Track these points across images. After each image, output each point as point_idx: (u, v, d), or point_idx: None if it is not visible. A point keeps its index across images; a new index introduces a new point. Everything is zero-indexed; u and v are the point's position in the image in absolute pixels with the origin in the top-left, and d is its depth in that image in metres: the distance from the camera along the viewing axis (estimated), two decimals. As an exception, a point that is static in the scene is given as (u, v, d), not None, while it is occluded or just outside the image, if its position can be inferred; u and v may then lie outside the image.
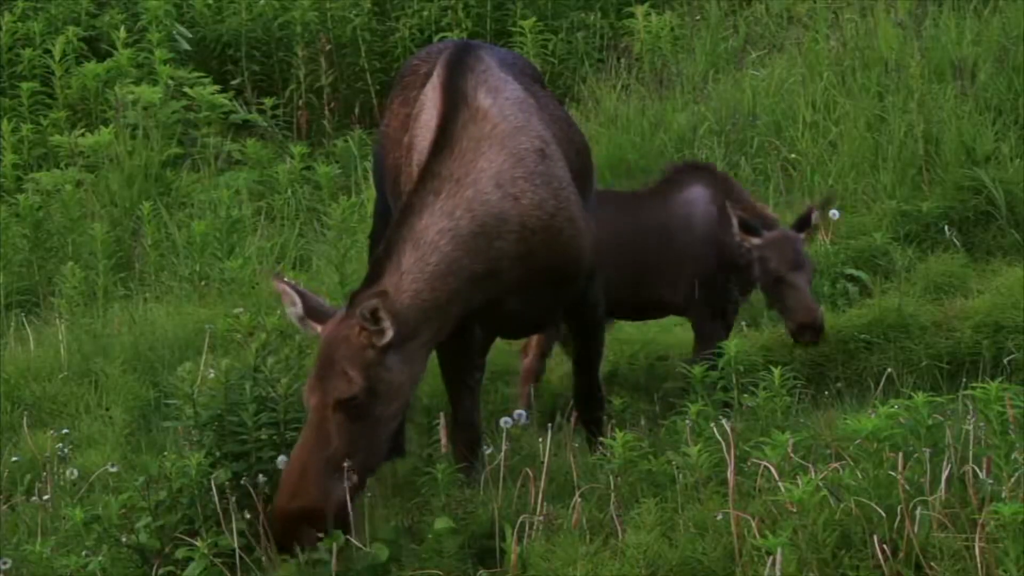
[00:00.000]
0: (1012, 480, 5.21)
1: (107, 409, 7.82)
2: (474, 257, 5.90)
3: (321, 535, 5.57)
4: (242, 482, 5.88)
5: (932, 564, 5.17)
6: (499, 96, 6.12)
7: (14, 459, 7.01)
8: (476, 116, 6.04)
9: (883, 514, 5.24)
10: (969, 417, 5.49)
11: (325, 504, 5.57)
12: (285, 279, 5.98)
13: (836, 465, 5.50)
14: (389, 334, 5.68)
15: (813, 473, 5.32)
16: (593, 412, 6.61)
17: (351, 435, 5.62)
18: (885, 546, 5.19)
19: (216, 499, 5.83)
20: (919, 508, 5.24)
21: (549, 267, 6.12)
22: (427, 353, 5.91)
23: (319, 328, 5.80)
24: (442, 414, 6.64)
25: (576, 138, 6.50)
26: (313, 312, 5.85)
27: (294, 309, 5.87)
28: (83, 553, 5.91)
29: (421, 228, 5.86)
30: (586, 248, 6.27)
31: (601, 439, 6.33)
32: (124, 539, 5.92)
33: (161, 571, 5.84)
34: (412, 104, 6.47)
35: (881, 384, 6.90)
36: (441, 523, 5.70)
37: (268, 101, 12.60)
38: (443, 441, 6.56)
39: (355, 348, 5.68)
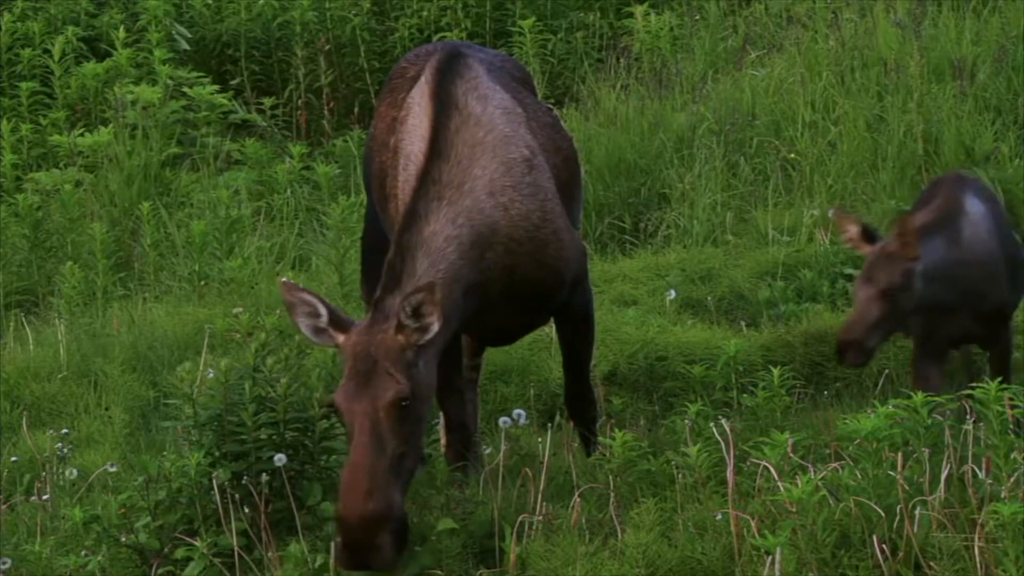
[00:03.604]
0: (1011, 480, 5.22)
1: (107, 409, 7.82)
2: (471, 267, 5.88)
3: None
4: (243, 481, 5.88)
5: (931, 564, 5.17)
6: (488, 104, 6.11)
7: (14, 459, 7.01)
8: (468, 122, 6.02)
9: (882, 514, 5.24)
10: (968, 417, 5.49)
11: (395, 508, 5.49)
12: (300, 287, 5.80)
13: (836, 465, 5.51)
14: (435, 328, 5.58)
15: (813, 473, 5.33)
16: (585, 413, 6.59)
17: (403, 437, 5.54)
18: (884, 546, 5.19)
19: (216, 499, 5.83)
20: (918, 508, 5.25)
21: (533, 279, 6.09)
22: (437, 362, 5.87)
23: (340, 338, 5.68)
24: (441, 414, 6.64)
25: (563, 145, 6.46)
26: (335, 322, 5.69)
27: (311, 321, 5.70)
28: (82, 553, 5.90)
29: (429, 234, 5.83)
30: (570, 260, 6.22)
31: (599, 439, 6.34)
32: (123, 539, 5.92)
33: (160, 571, 5.84)
34: (399, 107, 6.46)
35: (880, 384, 6.90)
36: (444, 524, 5.70)
37: (267, 101, 12.60)
38: (443, 441, 6.57)
39: (394, 350, 5.57)
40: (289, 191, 10.97)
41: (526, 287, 6.10)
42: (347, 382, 5.58)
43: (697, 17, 12.49)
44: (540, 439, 6.37)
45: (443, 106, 6.02)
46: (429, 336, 5.59)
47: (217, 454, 5.94)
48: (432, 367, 5.73)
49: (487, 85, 6.17)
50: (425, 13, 13.15)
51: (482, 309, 6.02)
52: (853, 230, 6.43)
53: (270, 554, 5.76)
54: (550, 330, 7.76)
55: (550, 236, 6.10)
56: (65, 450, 6.89)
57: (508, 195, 6.00)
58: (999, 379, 5.79)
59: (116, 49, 12.57)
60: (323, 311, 5.69)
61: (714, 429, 5.78)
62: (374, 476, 5.45)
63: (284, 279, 5.98)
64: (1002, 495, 5.18)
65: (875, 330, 6.30)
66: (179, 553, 5.80)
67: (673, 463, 5.88)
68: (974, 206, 6.62)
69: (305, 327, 5.71)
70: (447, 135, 5.97)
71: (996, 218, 6.70)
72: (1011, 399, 5.30)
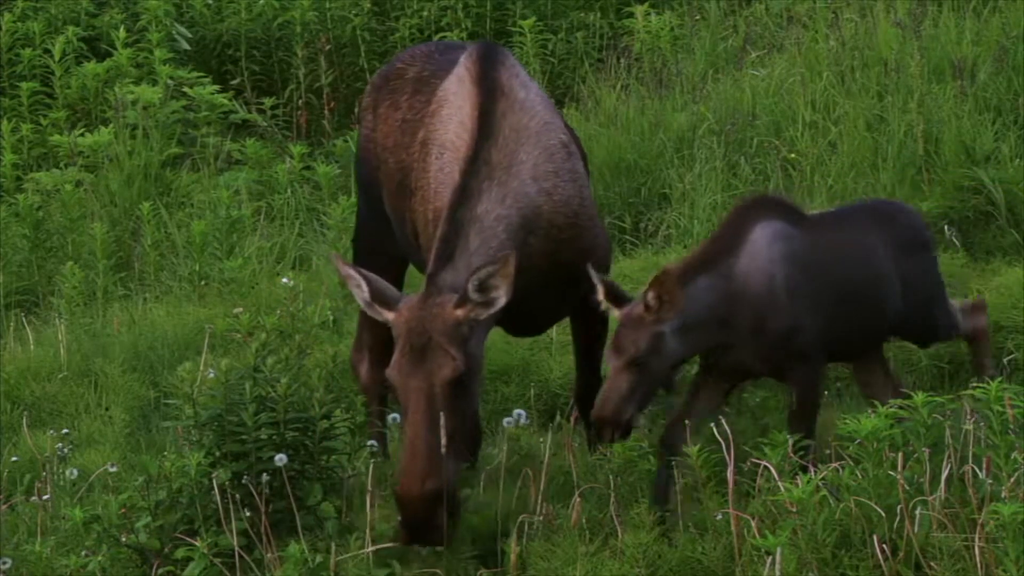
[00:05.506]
0: (1012, 480, 5.22)
1: (107, 409, 7.82)
2: (516, 250, 5.91)
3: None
4: (243, 481, 5.88)
5: (932, 564, 5.18)
6: (530, 91, 6.22)
7: (14, 459, 7.01)
8: (514, 107, 6.10)
9: (883, 514, 5.25)
10: (969, 417, 5.49)
11: (451, 486, 5.58)
12: (344, 261, 5.90)
13: (836, 465, 5.51)
14: (501, 302, 5.65)
15: (813, 473, 5.33)
16: None
17: (458, 413, 5.62)
18: (885, 546, 5.19)
19: (216, 499, 5.83)
20: (919, 508, 5.25)
21: (569, 265, 6.13)
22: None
23: (388, 314, 5.73)
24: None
25: (577, 141, 6.56)
26: (378, 296, 5.78)
27: (360, 292, 5.81)
28: (83, 553, 5.91)
29: (482, 212, 5.88)
30: (602, 248, 6.33)
31: (600, 439, 6.35)
32: (124, 539, 5.93)
33: (161, 571, 5.84)
34: (401, 107, 6.51)
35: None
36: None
37: (268, 101, 12.60)
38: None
39: (450, 325, 5.63)
40: (289, 191, 10.97)
41: (562, 273, 6.14)
42: (401, 357, 5.63)
43: (697, 17, 12.48)
44: (541, 439, 6.37)
45: (489, 91, 6.09)
46: (493, 311, 5.64)
47: (217, 454, 5.94)
48: (483, 342, 5.79)
49: (524, 74, 6.27)
50: (425, 13, 13.15)
51: (517, 296, 6.04)
52: (601, 292, 5.88)
53: (270, 554, 5.76)
54: (551, 329, 7.75)
55: (587, 223, 6.19)
56: (65, 450, 6.89)
57: (551, 181, 6.08)
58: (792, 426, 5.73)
59: (116, 49, 12.56)
60: (364, 286, 5.76)
61: (714, 429, 5.78)
62: (430, 456, 5.54)
63: (334, 253, 6.00)
64: (1002, 495, 5.19)
65: (628, 403, 5.81)
66: (179, 553, 5.80)
67: (674, 463, 5.89)
68: (760, 234, 5.94)
69: (359, 298, 5.83)
70: (494, 119, 6.04)
71: (795, 243, 5.99)
72: (1011, 399, 5.30)
